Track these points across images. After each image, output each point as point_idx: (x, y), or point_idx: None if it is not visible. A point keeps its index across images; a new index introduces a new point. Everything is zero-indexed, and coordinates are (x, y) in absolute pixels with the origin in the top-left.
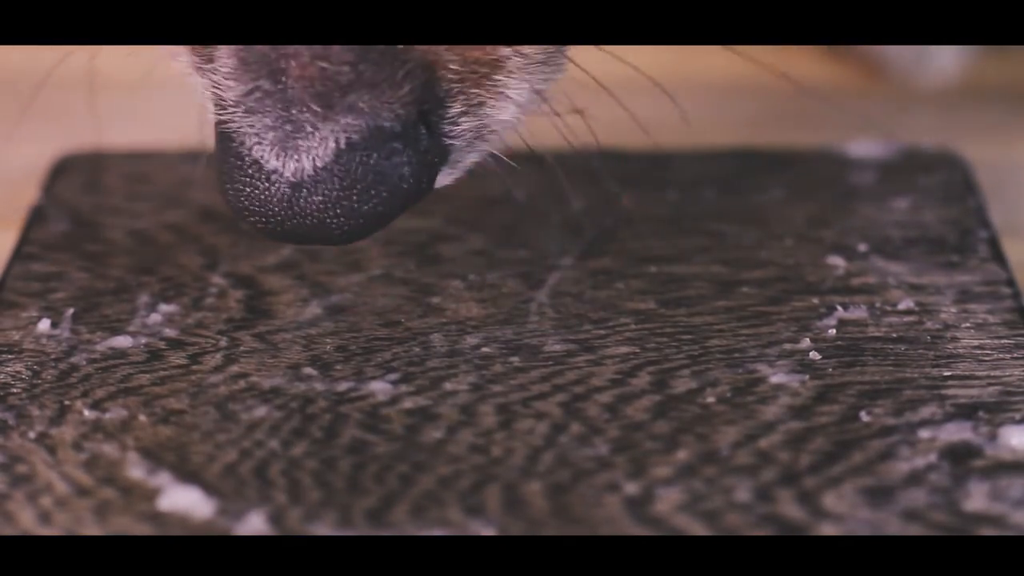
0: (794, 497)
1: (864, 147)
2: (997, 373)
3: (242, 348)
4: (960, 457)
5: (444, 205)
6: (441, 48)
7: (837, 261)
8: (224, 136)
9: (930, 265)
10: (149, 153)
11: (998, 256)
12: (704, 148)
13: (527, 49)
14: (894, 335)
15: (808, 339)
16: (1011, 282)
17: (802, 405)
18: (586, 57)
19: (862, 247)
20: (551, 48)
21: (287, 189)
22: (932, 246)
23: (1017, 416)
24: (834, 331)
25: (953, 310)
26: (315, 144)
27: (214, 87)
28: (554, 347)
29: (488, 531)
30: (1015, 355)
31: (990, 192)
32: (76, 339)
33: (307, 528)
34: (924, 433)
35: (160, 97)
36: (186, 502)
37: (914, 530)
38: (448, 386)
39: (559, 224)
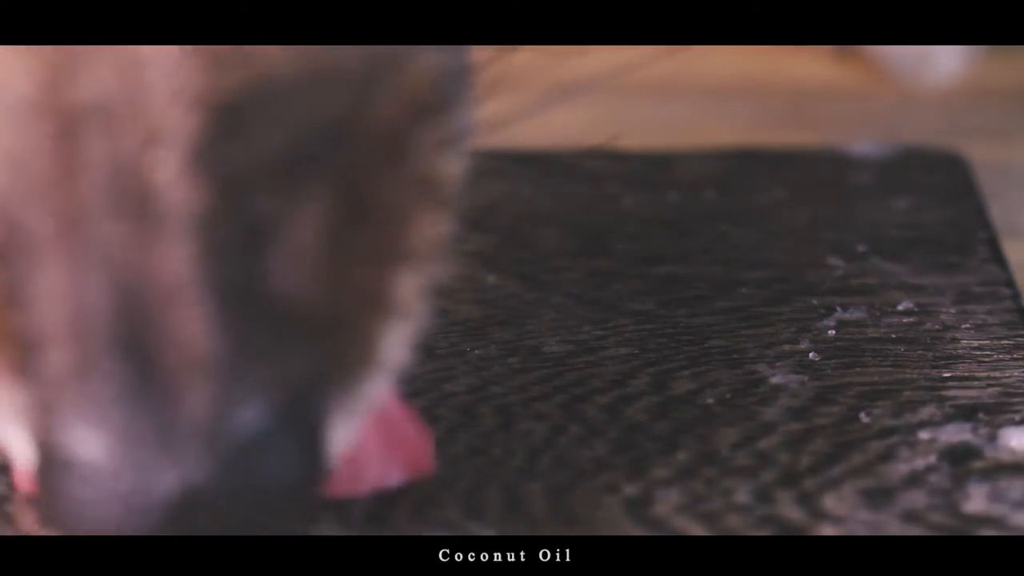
0: (794, 498)
1: (864, 147)
2: (997, 374)
3: None
4: (960, 458)
5: None
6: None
7: (837, 262)
8: (56, 455)
9: (930, 266)
10: None
11: (998, 257)
12: (704, 148)
13: None
14: (894, 336)
15: (808, 340)
16: (1011, 283)
17: (802, 406)
18: (587, 57)
19: (862, 247)
20: None
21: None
22: (932, 247)
23: (1017, 417)
24: (834, 332)
25: (953, 311)
26: (193, 449)
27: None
28: (553, 348)
29: (488, 532)
30: (1015, 356)
31: (990, 192)
32: None
33: (307, 528)
34: (924, 434)
35: None
36: None
37: (914, 531)
38: (447, 387)
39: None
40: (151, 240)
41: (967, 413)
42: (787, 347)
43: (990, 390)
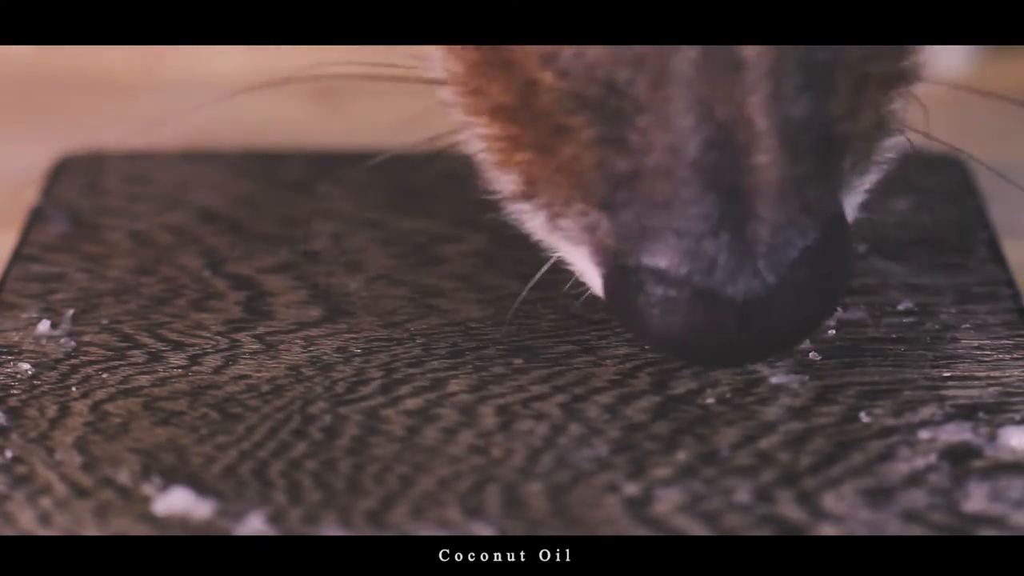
0: (794, 498)
1: None
2: (997, 374)
3: (242, 349)
4: (960, 458)
5: (444, 205)
6: (842, 109)
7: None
8: (647, 272)
9: (930, 266)
10: (149, 153)
11: (998, 257)
12: None
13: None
14: (894, 336)
15: (808, 340)
16: (1011, 283)
17: (802, 406)
18: None
19: (862, 247)
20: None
21: (750, 313)
22: (932, 247)
23: (1017, 417)
24: (834, 331)
25: (953, 311)
26: (772, 255)
27: (622, 227)
28: (554, 348)
29: (488, 532)
30: (1015, 356)
31: (990, 193)
32: (76, 340)
33: (307, 529)
34: (924, 434)
35: (160, 97)
36: (186, 503)
37: (914, 531)
38: (448, 387)
39: None
40: (734, 86)
41: (967, 413)
42: None
43: (990, 390)
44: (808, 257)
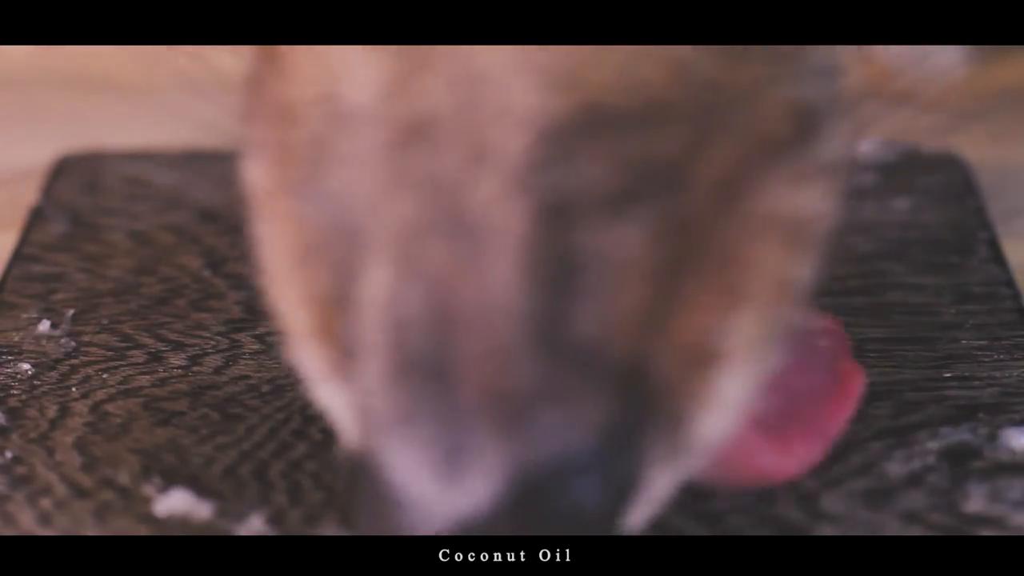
0: (794, 498)
1: (864, 147)
2: (997, 374)
3: (242, 349)
4: (959, 458)
5: None
6: (648, 337)
7: (837, 262)
8: (366, 462)
9: (930, 266)
10: (149, 153)
11: (998, 257)
12: None
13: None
14: (894, 335)
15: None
16: (1011, 283)
17: None
18: None
19: (862, 247)
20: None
21: (450, 528)
22: (932, 247)
23: (1017, 417)
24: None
25: (953, 311)
26: (486, 476)
27: (357, 396)
28: None
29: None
30: (1015, 356)
31: (990, 193)
32: (76, 340)
33: (307, 529)
34: (924, 434)
35: (160, 97)
36: (186, 504)
37: (914, 531)
38: None
39: None
40: (468, 260)
41: (967, 413)
42: None
43: (990, 390)
44: (528, 490)
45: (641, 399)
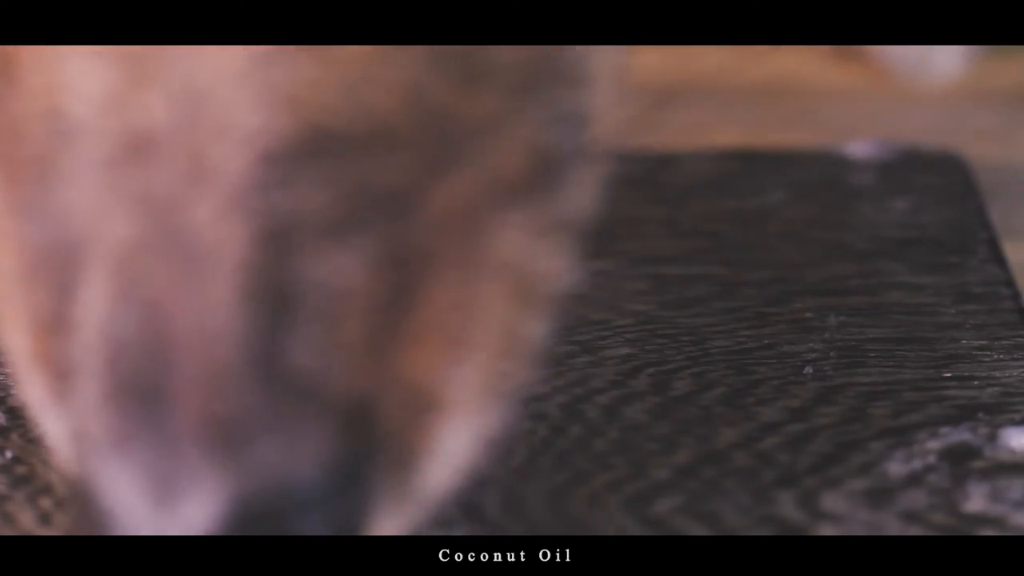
0: (794, 498)
1: (864, 147)
2: (997, 374)
3: None
4: (959, 458)
5: None
6: (371, 373)
7: (837, 262)
8: (82, 484)
9: (930, 266)
10: None
11: (998, 257)
12: (704, 148)
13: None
14: (894, 336)
15: (808, 340)
16: (1011, 283)
17: (802, 406)
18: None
19: (862, 247)
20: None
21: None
22: (932, 247)
23: (1017, 417)
24: (834, 332)
25: (953, 311)
26: (201, 503)
27: (73, 420)
28: (554, 348)
29: (488, 532)
30: (1015, 356)
31: (990, 193)
32: None
33: None
34: (923, 434)
35: None
36: None
37: (914, 531)
38: None
39: None
40: (185, 281)
41: (967, 413)
42: (787, 348)
43: (990, 390)
44: (242, 520)
45: (366, 438)
